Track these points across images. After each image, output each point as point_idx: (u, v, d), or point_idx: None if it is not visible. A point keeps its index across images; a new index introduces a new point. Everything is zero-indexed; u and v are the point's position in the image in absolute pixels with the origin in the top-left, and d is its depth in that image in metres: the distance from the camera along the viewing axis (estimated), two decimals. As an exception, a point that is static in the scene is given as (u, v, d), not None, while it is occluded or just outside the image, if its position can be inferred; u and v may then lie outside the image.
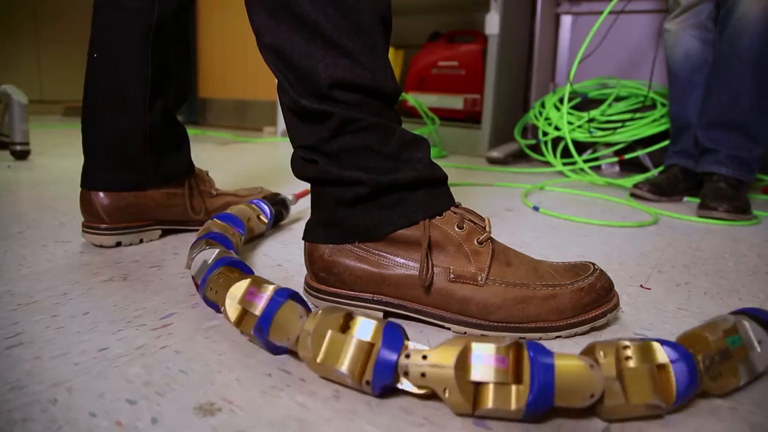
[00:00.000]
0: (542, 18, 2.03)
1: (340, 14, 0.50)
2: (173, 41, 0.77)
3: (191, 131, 2.60)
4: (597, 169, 1.81)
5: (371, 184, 0.52)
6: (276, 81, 0.56)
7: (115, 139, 0.74)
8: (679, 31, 1.38)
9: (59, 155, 1.64)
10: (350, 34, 0.51)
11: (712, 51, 1.33)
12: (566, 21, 2.13)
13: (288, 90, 0.53)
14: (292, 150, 0.58)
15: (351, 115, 0.51)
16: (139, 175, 0.76)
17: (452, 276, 0.52)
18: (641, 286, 0.70)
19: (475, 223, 0.55)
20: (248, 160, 1.74)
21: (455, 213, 0.55)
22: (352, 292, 0.55)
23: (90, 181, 0.74)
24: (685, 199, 1.36)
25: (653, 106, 1.71)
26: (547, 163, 1.81)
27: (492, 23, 1.92)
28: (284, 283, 0.65)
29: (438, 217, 0.54)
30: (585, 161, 1.68)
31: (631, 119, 1.67)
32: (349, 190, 0.53)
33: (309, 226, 0.57)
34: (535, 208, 1.12)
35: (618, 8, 1.74)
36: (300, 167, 0.56)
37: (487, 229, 0.55)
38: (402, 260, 0.54)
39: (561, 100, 1.83)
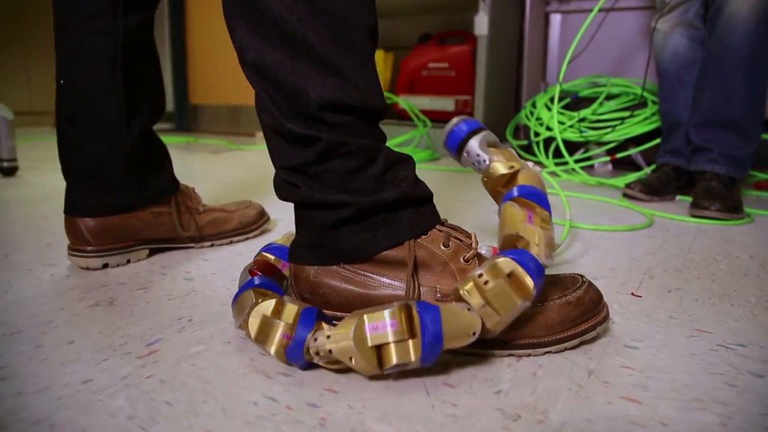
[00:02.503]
0: (531, 17, 2.02)
1: (329, 30, 0.48)
2: (142, 56, 0.75)
3: (183, 138, 2.59)
4: (590, 168, 1.80)
5: (356, 205, 0.51)
6: (255, 98, 0.54)
7: (95, 164, 0.73)
8: (668, 29, 1.37)
9: (48, 170, 1.62)
10: (339, 50, 0.49)
11: (701, 49, 1.33)
12: (556, 20, 2.12)
13: (272, 110, 0.51)
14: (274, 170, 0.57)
15: (339, 140, 0.50)
16: (124, 197, 0.75)
17: (439, 295, 0.52)
18: (632, 293, 0.70)
19: (461, 241, 0.54)
20: (240, 169, 1.73)
21: (440, 231, 0.54)
22: (339, 313, 0.55)
23: (73, 207, 0.74)
24: (678, 198, 1.36)
25: (644, 104, 1.71)
26: (540, 164, 1.80)
27: (481, 24, 1.91)
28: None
29: (423, 237, 0.53)
30: (576, 161, 1.68)
31: (631, 116, 1.66)
32: (333, 213, 0.52)
33: (294, 246, 0.57)
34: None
35: (607, 5, 1.73)
36: (283, 190, 0.55)
37: (474, 246, 0.54)
38: (388, 281, 0.53)
39: (552, 100, 1.82)
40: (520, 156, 1.88)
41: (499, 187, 0.58)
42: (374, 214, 0.52)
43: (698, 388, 0.47)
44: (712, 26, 1.23)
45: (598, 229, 1.02)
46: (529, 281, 0.48)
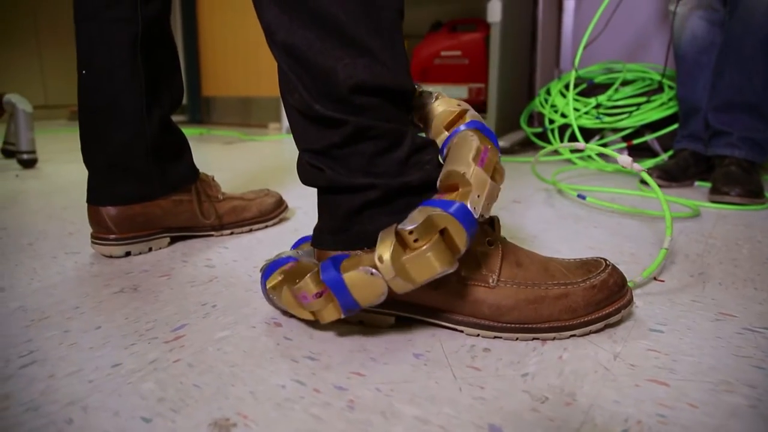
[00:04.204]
0: (544, 3, 2.00)
1: (360, 10, 0.48)
2: (160, 45, 0.76)
3: (196, 130, 2.61)
4: (607, 156, 1.79)
5: (381, 188, 0.51)
6: (279, 79, 0.53)
7: (117, 153, 0.73)
8: (686, 12, 1.35)
9: (66, 161, 1.64)
10: (369, 31, 0.48)
11: (720, 32, 1.30)
12: (569, 5, 2.10)
13: (300, 91, 0.50)
14: (298, 151, 0.56)
15: (366, 123, 0.49)
16: (145, 185, 0.76)
17: (463, 278, 0.52)
18: (655, 278, 0.69)
19: (484, 224, 0.54)
20: (254, 160, 1.74)
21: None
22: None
23: (96, 197, 0.74)
24: (696, 183, 1.35)
25: (660, 90, 1.69)
26: (555, 152, 1.79)
27: (494, 10, 1.89)
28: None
29: (447, 220, 0.53)
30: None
31: (647, 101, 1.64)
32: (358, 196, 0.52)
33: (317, 232, 0.57)
34: (581, 197, 1.08)
35: (622, -10, 1.71)
36: (308, 174, 0.54)
37: (496, 229, 0.54)
38: (411, 265, 0.53)
39: (566, 87, 1.81)
40: (533, 143, 1.87)
41: (443, 127, 0.57)
42: (399, 197, 0.52)
43: (725, 371, 0.47)
44: (733, 7, 1.21)
45: (642, 213, 1.01)
46: (462, 240, 0.47)
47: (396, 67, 0.50)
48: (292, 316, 0.57)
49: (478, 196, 0.48)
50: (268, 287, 0.56)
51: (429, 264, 0.46)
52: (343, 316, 0.50)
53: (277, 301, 0.55)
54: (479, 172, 0.48)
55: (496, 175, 0.51)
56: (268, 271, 0.57)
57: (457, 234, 0.47)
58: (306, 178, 0.55)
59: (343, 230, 0.54)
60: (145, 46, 0.72)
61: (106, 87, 0.72)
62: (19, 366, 0.48)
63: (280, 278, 0.55)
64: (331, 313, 0.50)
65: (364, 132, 0.50)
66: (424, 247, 0.46)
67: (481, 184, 0.48)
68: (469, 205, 0.47)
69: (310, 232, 0.60)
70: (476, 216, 0.47)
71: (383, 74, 0.49)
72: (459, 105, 0.57)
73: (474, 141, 0.50)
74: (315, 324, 0.55)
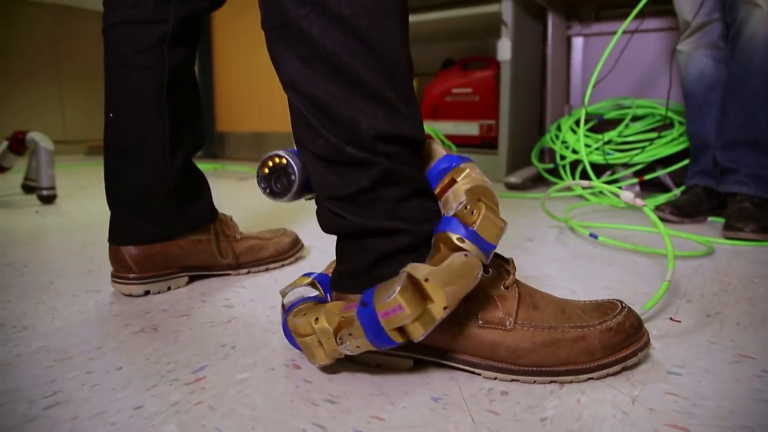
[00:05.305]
0: (553, 41, 2.04)
1: (379, 64, 0.51)
2: (185, 89, 0.79)
3: (211, 166, 2.65)
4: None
5: (410, 233, 0.52)
6: (293, 125, 0.55)
7: (140, 194, 0.75)
8: (692, 51, 1.38)
9: (84, 197, 1.67)
10: (387, 83, 0.51)
11: (726, 69, 1.32)
12: (578, 43, 2.14)
13: (327, 137, 0.51)
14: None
15: (392, 166, 0.51)
16: (166, 225, 0.77)
17: (480, 321, 0.52)
18: (671, 318, 0.69)
19: (500, 267, 0.55)
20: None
21: (481, 258, 0.55)
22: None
23: (118, 236, 0.76)
24: (709, 219, 1.35)
25: (671, 125, 1.70)
26: (568, 188, 1.80)
27: (504, 49, 1.94)
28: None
29: (465, 264, 0.54)
30: (603, 184, 1.67)
31: (658, 137, 1.66)
32: (390, 241, 0.52)
33: (336, 276, 0.58)
34: (593, 236, 1.08)
35: (631, 28, 1.74)
36: (331, 223, 0.55)
37: (512, 272, 0.55)
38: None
39: (577, 123, 1.83)
40: (545, 178, 1.88)
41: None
42: (425, 243, 0.53)
43: (746, 415, 0.46)
44: (733, 48, 1.24)
45: (659, 253, 1.01)
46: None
47: (411, 117, 0.53)
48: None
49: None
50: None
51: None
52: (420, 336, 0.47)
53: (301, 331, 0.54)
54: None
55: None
56: (291, 307, 0.57)
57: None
58: (330, 227, 0.56)
59: (364, 274, 0.54)
60: (171, 91, 0.75)
61: (131, 130, 0.74)
62: (43, 407, 0.48)
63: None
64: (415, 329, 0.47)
65: (391, 175, 0.52)
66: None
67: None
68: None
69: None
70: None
71: (401, 124, 0.52)
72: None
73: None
74: (333, 367, 0.55)
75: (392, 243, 0.52)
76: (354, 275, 0.55)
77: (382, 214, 0.52)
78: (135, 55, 0.72)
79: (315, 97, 0.51)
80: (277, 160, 0.59)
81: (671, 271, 0.70)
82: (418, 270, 0.47)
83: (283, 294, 0.61)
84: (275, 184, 0.60)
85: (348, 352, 0.50)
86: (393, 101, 0.51)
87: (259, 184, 0.61)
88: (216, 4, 0.81)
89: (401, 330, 0.47)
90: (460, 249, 0.50)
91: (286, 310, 0.58)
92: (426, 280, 0.46)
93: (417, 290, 0.47)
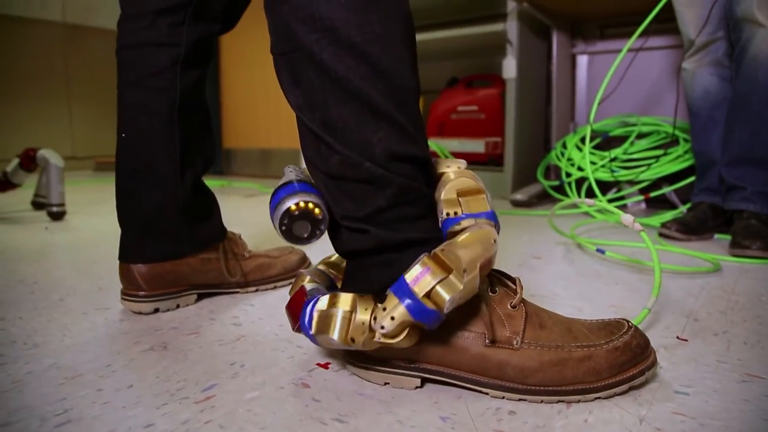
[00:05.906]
0: (558, 59, 2.06)
1: (390, 89, 0.52)
2: (196, 110, 0.80)
3: (218, 182, 2.67)
4: (623, 208, 1.80)
5: (435, 244, 0.53)
6: (303, 147, 0.56)
7: (151, 213, 0.76)
8: (696, 69, 1.39)
9: (92, 213, 1.69)
10: (397, 106, 0.53)
11: (731, 87, 1.33)
12: (582, 61, 2.15)
13: (344, 154, 0.52)
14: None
15: (407, 185, 0.53)
16: (176, 244, 0.78)
17: (488, 341, 0.53)
18: (678, 337, 0.69)
19: (507, 286, 0.55)
20: (275, 212, 1.77)
21: (488, 277, 0.55)
22: (390, 359, 0.56)
23: (128, 254, 0.77)
24: (716, 236, 1.35)
25: (676, 142, 1.71)
26: (574, 205, 1.80)
27: (509, 67, 1.95)
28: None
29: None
30: (609, 201, 1.68)
31: (664, 154, 1.67)
32: (422, 250, 0.52)
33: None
34: (600, 251, 1.09)
35: (636, 46, 1.76)
36: (349, 240, 0.56)
37: (519, 291, 0.55)
38: (438, 326, 0.54)
39: (582, 140, 1.84)
40: (551, 195, 1.88)
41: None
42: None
43: (754, 436, 0.46)
44: (738, 66, 1.25)
45: (667, 269, 1.01)
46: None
47: (420, 138, 0.55)
48: (327, 364, 0.58)
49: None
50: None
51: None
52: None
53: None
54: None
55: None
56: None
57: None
58: (349, 245, 0.57)
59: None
60: (182, 112, 0.76)
61: (142, 151, 0.75)
62: (54, 425, 0.49)
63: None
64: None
65: (407, 193, 0.53)
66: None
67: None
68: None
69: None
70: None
71: (412, 145, 0.53)
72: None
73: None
74: (342, 385, 0.56)
75: (416, 255, 0.52)
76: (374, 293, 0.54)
77: (403, 230, 0.54)
78: (148, 76, 0.74)
79: (329, 121, 0.53)
80: (311, 206, 0.55)
81: (653, 299, 0.71)
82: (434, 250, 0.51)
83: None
84: (299, 229, 0.56)
85: (382, 330, 0.49)
86: (403, 123, 0.53)
87: (279, 222, 0.56)
88: (227, 27, 0.83)
89: (431, 298, 0.49)
90: None
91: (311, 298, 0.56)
92: (442, 250, 0.50)
93: (437, 260, 0.50)
